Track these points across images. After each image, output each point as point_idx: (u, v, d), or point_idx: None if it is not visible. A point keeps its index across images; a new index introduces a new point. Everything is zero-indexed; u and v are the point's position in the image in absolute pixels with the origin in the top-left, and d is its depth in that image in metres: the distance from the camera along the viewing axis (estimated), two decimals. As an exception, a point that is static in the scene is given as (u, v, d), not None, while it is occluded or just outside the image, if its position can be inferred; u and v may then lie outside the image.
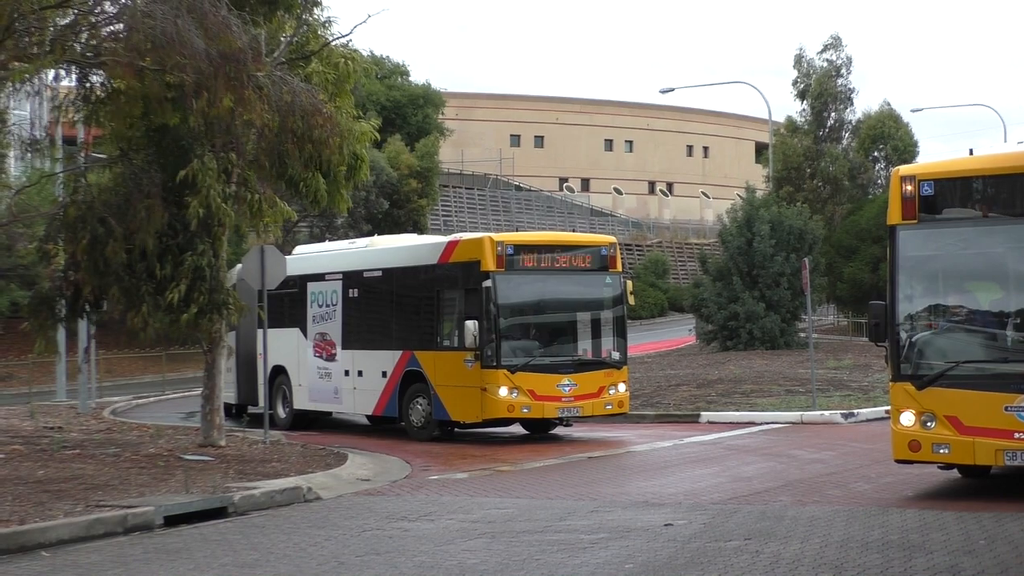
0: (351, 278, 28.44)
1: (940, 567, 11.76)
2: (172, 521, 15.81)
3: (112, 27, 19.81)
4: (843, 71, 64.06)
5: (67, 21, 20.06)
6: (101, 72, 20.28)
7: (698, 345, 54.62)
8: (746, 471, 19.97)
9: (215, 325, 22.84)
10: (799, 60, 64.41)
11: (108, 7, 19.66)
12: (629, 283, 26.53)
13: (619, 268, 26.40)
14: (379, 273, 27.83)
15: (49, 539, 14.36)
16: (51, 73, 22.40)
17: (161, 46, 18.38)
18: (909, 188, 16.06)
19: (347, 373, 28.18)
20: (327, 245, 35.27)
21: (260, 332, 25.73)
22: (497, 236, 25.36)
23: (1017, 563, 11.91)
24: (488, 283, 24.36)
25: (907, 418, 15.92)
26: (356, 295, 28.24)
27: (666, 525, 14.68)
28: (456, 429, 26.28)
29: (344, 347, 28.34)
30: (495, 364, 24.34)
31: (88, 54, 19.94)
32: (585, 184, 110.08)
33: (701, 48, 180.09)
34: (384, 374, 26.90)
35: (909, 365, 16.07)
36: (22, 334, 28.24)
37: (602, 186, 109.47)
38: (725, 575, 11.73)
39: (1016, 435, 15.15)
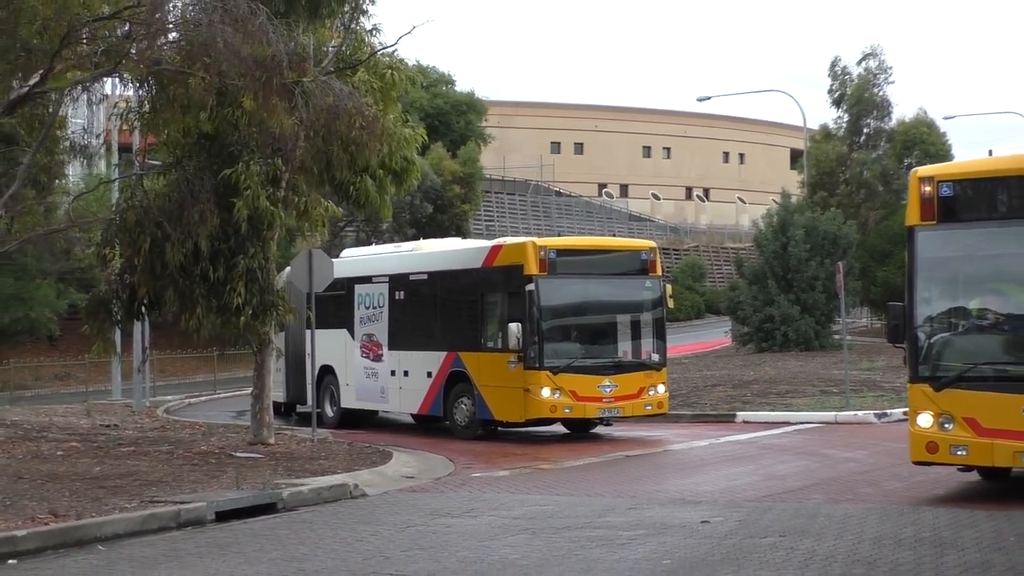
0: (397, 281, 28.44)
1: (971, 564, 11.70)
2: (223, 516, 15.88)
3: (165, 37, 19.96)
4: (881, 80, 63.53)
5: (122, 31, 20.23)
6: (152, 80, 20.40)
7: (734, 347, 54.43)
8: (781, 470, 19.91)
9: (265, 327, 22.96)
10: (834, 67, 63.92)
11: (159, 17, 19.77)
12: (669, 287, 26.48)
13: (659, 272, 26.33)
14: (424, 276, 27.83)
15: (105, 533, 14.46)
16: (108, 82, 22.62)
17: (208, 54, 18.52)
18: (928, 189, 15.65)
19: (393, 373, 28.18)
20: (374, 249, 35.29)
21: (308, 333, 25.82)
22: (540, 241, 25.34)
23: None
24: (531, 286, 24.34)
25: (925, 419, 15.52)
26: (402, 297, 28.24)
27: (702, 522, 14.64)
28: (499, 428, 26.25)
29: (390, 348, 28.34)
30: (538, 365, 24.30)
31: (142, 62, 20.08)
32: (624, 190, 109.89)
33: (735, 57, 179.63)
34: (429, 374, 26.89)
35: (927, 366, 15.67)
36: (80, 335, 28.38)
37: (640, 192, 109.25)
38: (760, 571, 11.70)
39: None
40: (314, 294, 24.16)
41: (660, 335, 26.17)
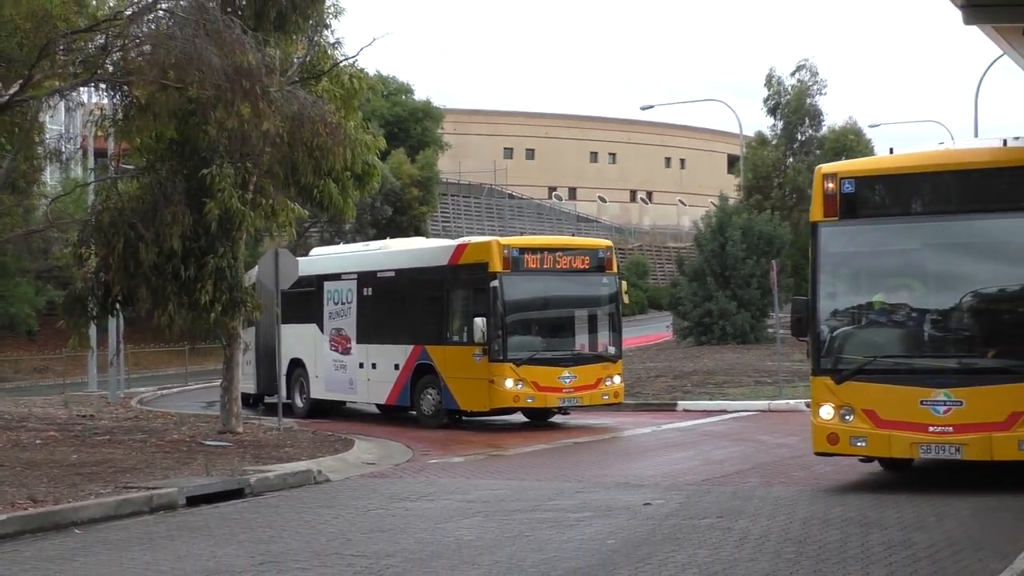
0: (366, 278, 28.23)
1: (894, 541, 11.82)
2: (194, 501, 15.84)
3: (140, 48, 19.87)
4: (814, 91, 63.83)
5: (98, 43, 20.13)
6: (127, 89, 20.31)
7: (675, 340, 54.60)
8: (718, 455, 20.00)
9: (234, 322, 22.88)
10: (770, 79, 64.24)
11: (134, 30, 19.70)
12: (623, 283, 26.57)
13: (614, 269, 26.37)
14: (392, 273, 27.67)
15: (81, 518, 14.40)
16: (84, 91, 22.51)
17: (182, 64, 18.47)
18: (831, 186, 15.22)
19: (361, 365, 27.97)
20: (342, 247, 35.05)
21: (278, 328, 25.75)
22: (503, 240, 25.34)
23: (964, 537, 11.98)
24: (495, 283, 24.30)
25: (826, 411, 15.15)
26: (370, 293, 28.03)
27: (645, 504, 14.71)
28: (463, 417, 26.16)
29: (359, 342, 28.12)
30: (502, 358, 24.25)
31: (117, 73, 20.00)
32: (572, 193, 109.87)
33: (676, 69, 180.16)
34: (396, 367, 26.72)
35: (829, 359, 15.27)
36: (57, 330, 28.17)
37: (587, 195, 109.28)
38: (699, 550, 11.77)
39: (931, 428, 14.39)
40: (285, 291, 24.11)
41: (616, 329, 26.17)
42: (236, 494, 16.50)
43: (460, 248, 25.87)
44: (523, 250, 25.09)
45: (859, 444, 14.92)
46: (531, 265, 25.08)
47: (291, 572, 11.37)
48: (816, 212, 15.43)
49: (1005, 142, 15.07)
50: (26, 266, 50.91)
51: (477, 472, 18.83)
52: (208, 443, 21.62)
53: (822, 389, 15.25)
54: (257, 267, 25.25)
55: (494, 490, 16.46)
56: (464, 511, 14.65)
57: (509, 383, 24.27)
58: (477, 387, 24.73)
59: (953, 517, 13.12)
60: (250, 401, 31.12)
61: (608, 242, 27.47)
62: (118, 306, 23.39)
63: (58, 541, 13.33)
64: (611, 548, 12.04)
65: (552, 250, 26.56)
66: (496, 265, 24.44)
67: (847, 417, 14.96)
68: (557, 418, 26.72)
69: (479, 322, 24.26)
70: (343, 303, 28.74)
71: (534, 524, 13.52)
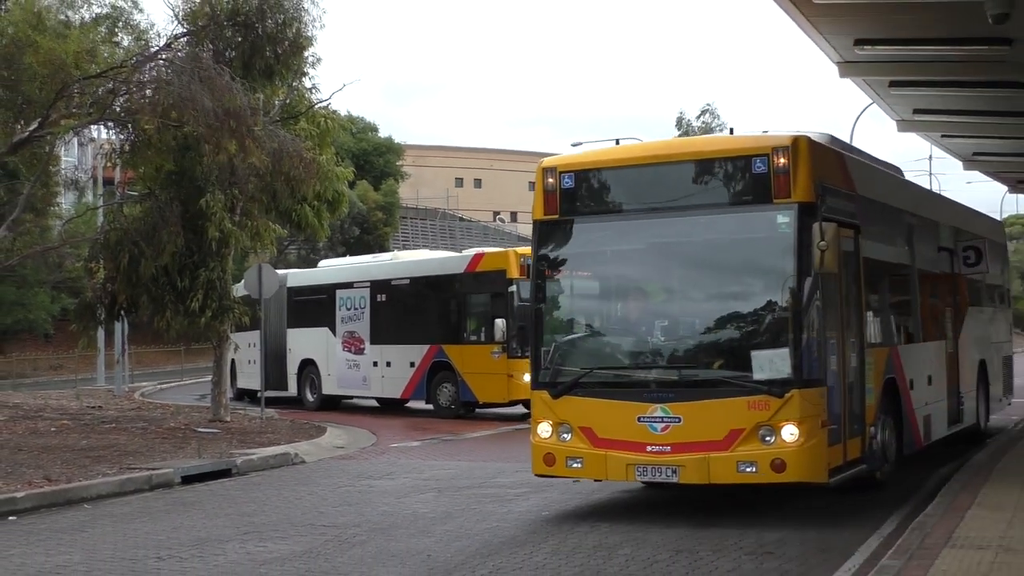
0: (379, 285, 27.21)
1: (787, 525, 11.92)
2: (188, 480, 15.73)
3: (143, 92, 19.78)
4: (716, 131, 64.52)
5: (107, 87, 20.01)
6: (132, 126, 20.22)
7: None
8: (636, 439, 20.03)
9: (223, 326, 22.75)
10: (680, 121, 64.85)
11: (138, 76, 19.62)
12: None
13: None
14: (407, 281, 26.78)
15: (90, 494, 14.28)
16: (95, 128, 22.37)
17: (178, 106, 18.42)
18: (551, 181, 12.02)
19: (375, 364, 26.97)
20: (351, 259, 33.98)
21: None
22: (519, 250, 24.58)
23: (831, 523, 12.10)
24: (513, 288, 23.64)
25: (544, 429, 11.92)
26: (384, 299, 27.02)
27: (575, 481, 14.71)
28: (476, 409, 25.40)
29: (373, 342, 27.05)
30: (520, 354, 22.99)
31: (123, 113, 19.91)
32: (513, 216, 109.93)
33: (600, 110, 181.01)
34: (412, 364, 25.89)
35: (547, 372, 11.98)
36: (70, 333, 27.88)
37: (526, 218, 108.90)
38: (620, 518, 11.83)
39: (649, 448, 11.20)
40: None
41: None
42: (224, 474, 16.41)
43: (477, 257, 25.25)
44: None
45: (575, 465, 11.76)
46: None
47: (271, 540, 11.31)
48: (537, 210, 12.22)
49: (732, 131, 12.69)
50: (43, 278, 50.31)
51: (431, 454, 18.81)
52: (200, 430, 21.47)
53: (540, 405, 12.04)
54: (244, 279, 25.07)
55: (445, 469, 16.46)
56: (420, 488, 14.64)
57: (527, 377, 23.81)
58: (496, 381, 23.99)
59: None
60: (244, 397, 30.66)
61: None
62: (123, 312, 23.22)
63: (70, 515, 13.21)
64: (544, 519, 12.08)
65: None
66: (513, 272, 23.69)
67: (564, 436, 11.78)
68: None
69: (499, 323, 23.59)
70: (356, 308, 27.67)
71: (479, 499, 13.53)
